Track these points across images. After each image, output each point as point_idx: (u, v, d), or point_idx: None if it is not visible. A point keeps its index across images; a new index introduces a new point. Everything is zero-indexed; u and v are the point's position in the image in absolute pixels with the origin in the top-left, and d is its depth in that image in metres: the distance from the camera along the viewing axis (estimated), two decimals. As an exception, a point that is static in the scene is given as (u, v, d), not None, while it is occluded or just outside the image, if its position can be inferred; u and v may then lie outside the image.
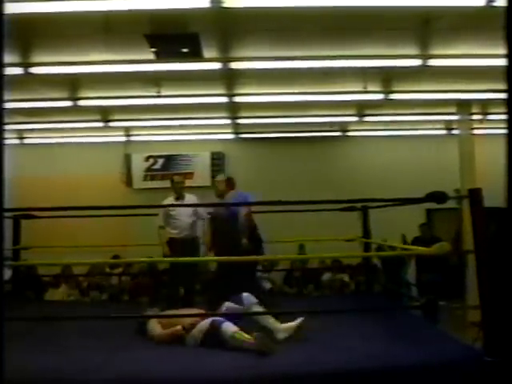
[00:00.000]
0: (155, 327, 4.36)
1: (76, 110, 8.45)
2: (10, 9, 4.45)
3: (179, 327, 4.18)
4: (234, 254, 5.14)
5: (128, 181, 11.23)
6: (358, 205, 6.37)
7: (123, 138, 10.90)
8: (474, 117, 9.50)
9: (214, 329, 4.00)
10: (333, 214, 6.00)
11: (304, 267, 9.45)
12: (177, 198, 6.24)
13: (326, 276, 9.10)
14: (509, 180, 1.21)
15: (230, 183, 6.36)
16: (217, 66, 6.72)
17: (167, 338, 4.22)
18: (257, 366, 3.56)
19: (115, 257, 8.36)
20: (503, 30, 1.23)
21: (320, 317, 4.93)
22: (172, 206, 6.16)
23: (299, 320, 4.22)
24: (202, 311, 4.50)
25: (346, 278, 9.11)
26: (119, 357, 3.86)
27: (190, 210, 6.17)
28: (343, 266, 9.29)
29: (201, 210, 6.17)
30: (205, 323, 4.10)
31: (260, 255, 5.97)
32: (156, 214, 6.22)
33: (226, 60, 6.61)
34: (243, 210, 5.86)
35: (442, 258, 7.17)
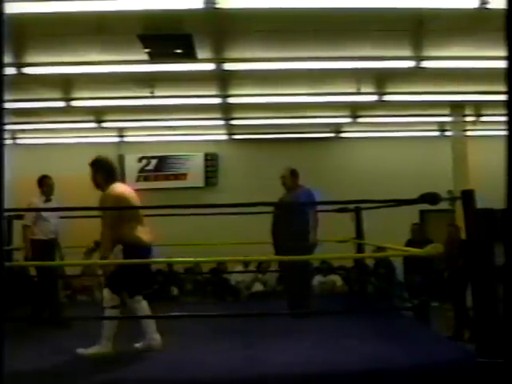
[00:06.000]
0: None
1: (69, 110, 8.42)
2: (4, 9, 4.42)
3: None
4: (300, 253, 5.01)
5: (121, 182, 11.17)
6: (351, 206, 6.38)
7: (116, 139, 10.85)
8: (467, 118, 9.54)
9: None
10: (326, 215, 5.98)
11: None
12: (46, 201, 5.90)
13: (317, 279, 9.00)
14: (509, 180, 1.21)
15: (296, 176, 5.84)
16: (210, 66, 6.71)
17: None
18: (251, 366, 3.56)
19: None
20: (503, 31, 1.23)
21: (314, 318, 4.94)
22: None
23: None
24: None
25: (338, 280, 9.09)
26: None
27: (57, 213, 5.94)
28: (335, 267, 9.29)
29: None
30: None
31: None
32: (152, 215, 6.13)
33: (219, 61, 6.61)
34: (312, 208, 5.56)
35: (431, 260, 7.18)
